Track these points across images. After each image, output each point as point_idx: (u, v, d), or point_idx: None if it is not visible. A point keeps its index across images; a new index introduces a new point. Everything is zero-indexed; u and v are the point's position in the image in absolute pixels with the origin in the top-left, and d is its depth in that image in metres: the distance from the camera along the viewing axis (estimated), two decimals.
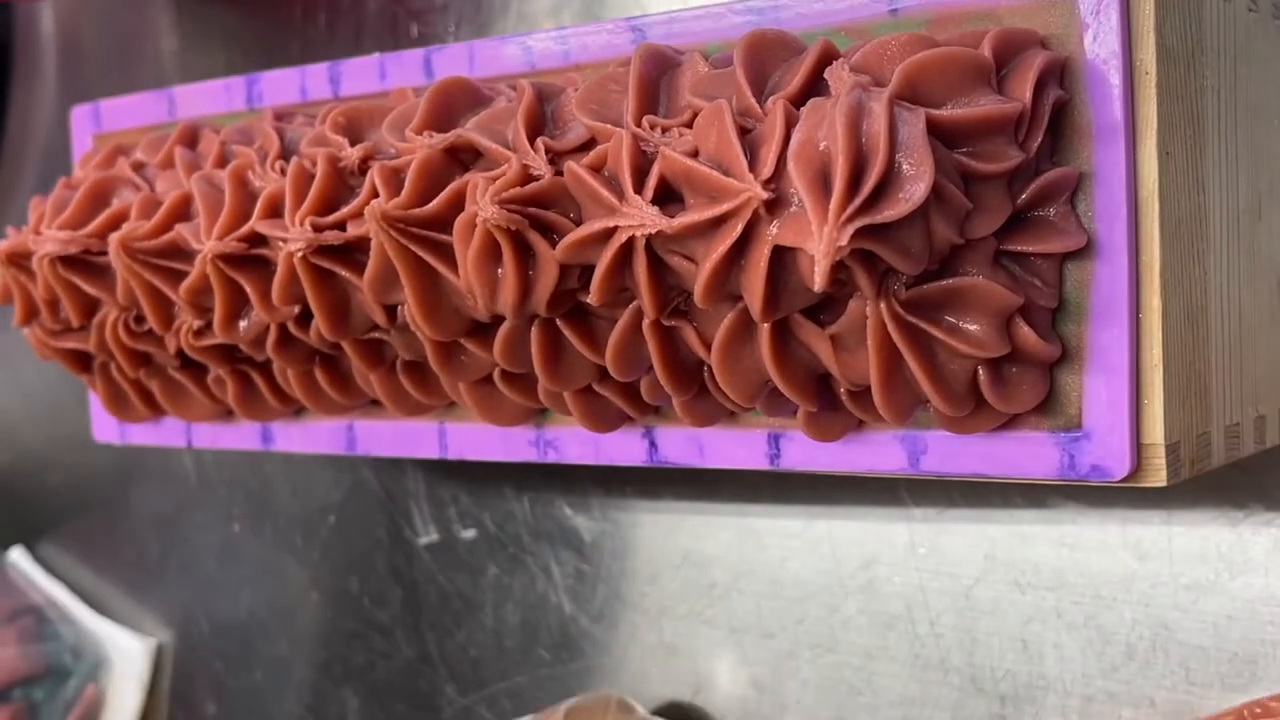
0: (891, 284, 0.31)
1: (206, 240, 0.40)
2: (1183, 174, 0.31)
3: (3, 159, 0.73)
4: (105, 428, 0.51)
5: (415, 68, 0.41)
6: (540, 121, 0.36)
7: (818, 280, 0.28)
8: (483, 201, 0.33)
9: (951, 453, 0.33)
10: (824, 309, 0.32)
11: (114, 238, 0.41)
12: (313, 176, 0.38)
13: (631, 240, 0.32)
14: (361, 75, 0.42)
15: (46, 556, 0.72)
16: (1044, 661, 0.42)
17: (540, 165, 0.34)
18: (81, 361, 0.48)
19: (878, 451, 0.34)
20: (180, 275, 0.41)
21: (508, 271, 0.34)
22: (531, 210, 0.33)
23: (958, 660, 0.43)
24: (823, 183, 0.28)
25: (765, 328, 0.32)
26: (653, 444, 0.38)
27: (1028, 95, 0.30)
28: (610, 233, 0.32)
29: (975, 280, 0.30)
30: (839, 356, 0.32)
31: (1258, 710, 0.36)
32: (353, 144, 0.39)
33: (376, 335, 0.40)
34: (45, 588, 0.70)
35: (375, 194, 0.37)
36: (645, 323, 0.34)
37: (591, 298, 0.33)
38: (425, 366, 0.40)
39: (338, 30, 0.58)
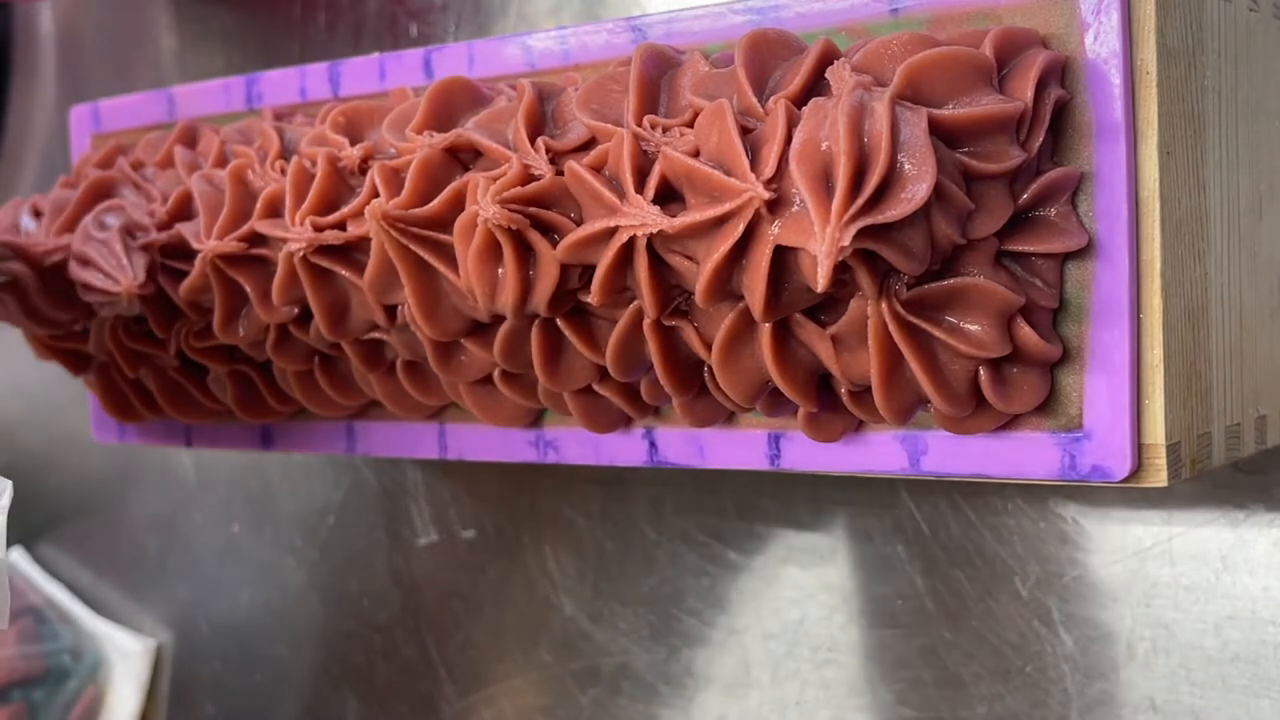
0: (893, 284, 0.31)
1: (206, 240, 0.40)
2: (1183, 174, 0.31)
3: (2, 159, 0.73)
4: (105, 428, 0.51)
5: (415, 68, 0.41)
6: (540, 121, 0.36)
7: (821, 280, 0.28)
8: (483, 201, 0.33)
9: (952, 453, 0.33)
10: (825, 309, 0.32)
11: None
12: (313, 176, 0.38)
13: (632, 240, 0.32)
14: (361, 75, 0.42)
15: (46, 556, 0.72)
16: (1044, 661, 0.42)
17: (541, 165, 0.34)
18: (81, 362, 0.48)
19: (878, 451, 0.34)
20: (180, 275, 0.41)
21: (508, 271, 0.34)
22: (532, 210, 0.33)
23: (957, 661, 0.43)
24: (825, 183, 0.28)
25: (766, 328, 0.32)
26: (653, 444, 0.38)
27: (1029, 95, 0.30)
28: (611, 232, 0.32)
29: (977, 280, 0.30)
30: (840, 356, 0.32)
31: None
32: (353, 144, 0.39)
33: (376, 335, 0.40)
34: (44, 588, 0.70)
35: (375, 194, 0.37)
36: (646, 323, 0.34)
37: (592, 298, 0.33)
38: (425, 366, 0.40)
39: (338, 30, 0.58)
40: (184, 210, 0.42)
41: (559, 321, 0.35)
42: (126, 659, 0.65)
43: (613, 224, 0.32)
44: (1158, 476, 0.31)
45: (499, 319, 0.36)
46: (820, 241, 0.28)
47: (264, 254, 0.39)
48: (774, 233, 0.29)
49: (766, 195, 0.29)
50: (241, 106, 0.45)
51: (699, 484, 0.49)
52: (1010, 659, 0.42)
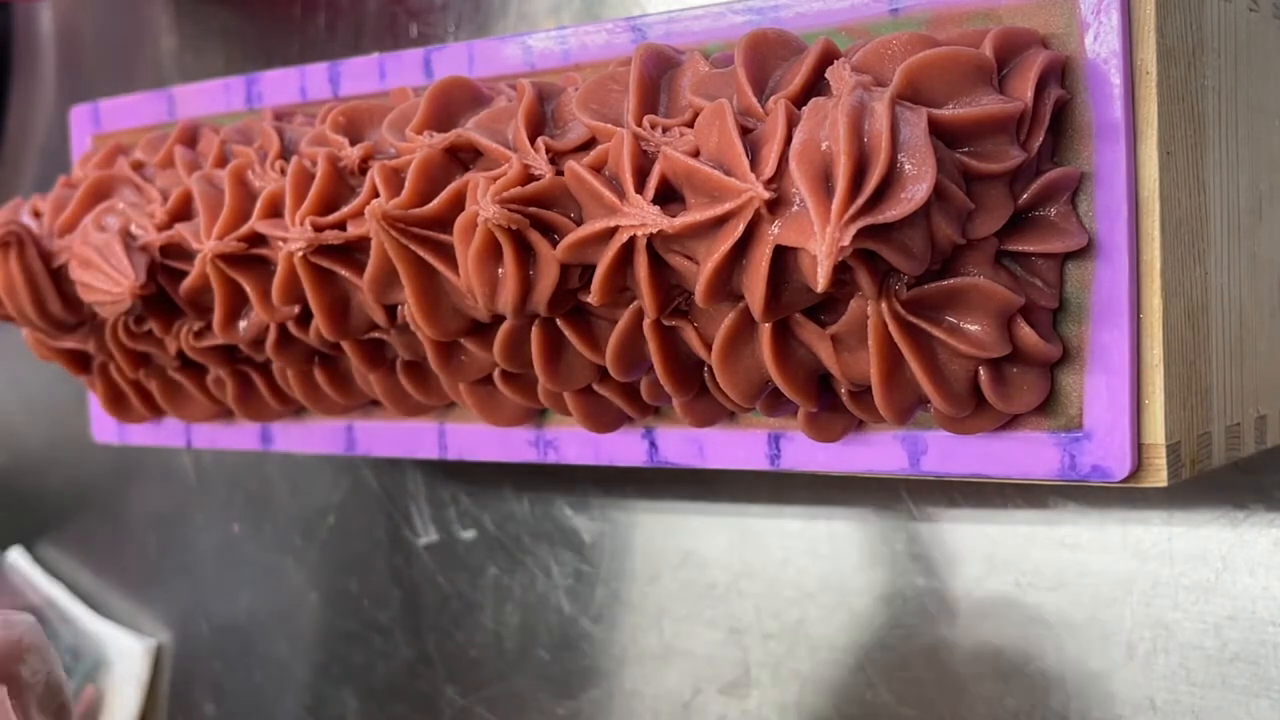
0: (893, 284, 0.31)
1: (206, 240, 0.40)
2: (1183, 174, 0.31)
3: (2, 159, 0.73)
4: (105, 428, 0.51)
5: (415, 68, 0.41)
6: (540, 121, 0.36)
7: (821, 280, 0.28)
8: (483, 201, 0.33)
9: (952, 453, 0.33)
10: (825, 309, 0.32)
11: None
12: (313, 176, 0.38)
13: (632, 240, 0.32)
14: (361, 75, 0.42)
15: (46, 557, 0.72)
16: (1044, 661, 0.42)
17: (541, 165, 0.34)
18: (81, 362, 0.48)
19: (878, 451, 0.34)
20: (180, 275, 0.41)
21: (508, 271, 0.34)
22: (532, 210, 0.33)
23: (958, 661, 0.43)
24: (825, 183, 0.28)
25: (766, 328, 0.32)
26: (653, 444, 0.38)
27: (1029, 95, 0.30)
28: (611, 232, 0.32)
29: (976, 280, 0.30)
30: (839, 356, 0.32)
31: None
32: (353, 144, 0.39)
33: (376, 335, 0.40)
34: (44, 588, 0.70)
35: (375, 193, 0.37)
36: (646, 323, 0.34)
37: (592, 298, 0.33)
38: (425, 366, 0.40)
39: (338, 30, 0.58)
40: (184, 210, 0.42)
41: (559, 321, 0.35)
42: (126, 659, 0.65)
43: (613, 224, 0.32)
44: (1158, 476, 0.31)
45: (499, 319, 0.36)
46: (820, 241, 0.28)
47: (264, 254, 0.39)
48: (774, 233, 0.29)
49: (766, 195, 0.29)
50: (241, 106, 0.45)
51: (699, 484, 0.49)
52: (1010, 659, 0.42)
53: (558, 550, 0.52)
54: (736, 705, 0.48)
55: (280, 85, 0.44)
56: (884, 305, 0.30)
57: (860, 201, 0.28)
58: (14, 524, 0.74)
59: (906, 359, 0.31)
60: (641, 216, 0.31)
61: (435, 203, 0.35)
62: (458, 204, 0.35)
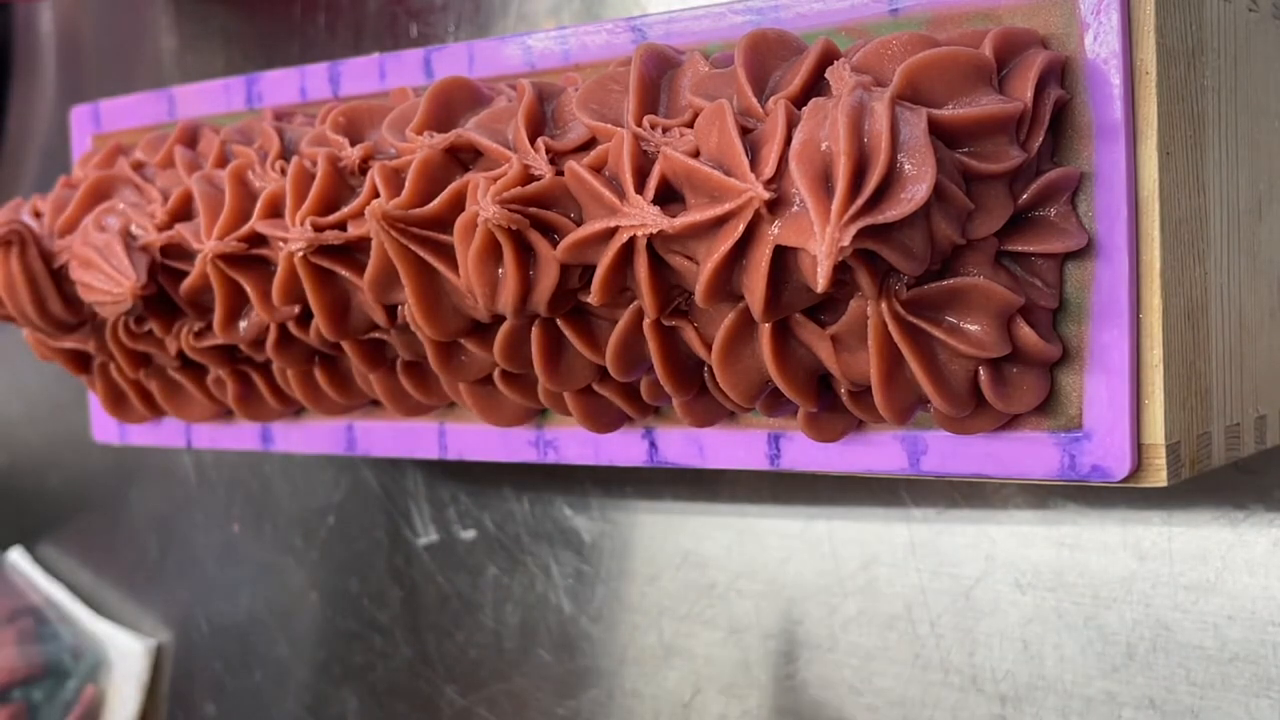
0: (892, 284, 0.31)
1: (206, 240, 0.40)
2: (1183, 174, 0.31)
3: (2, 159, 0.73)
4: (105, 428, 0.51)
5: (415, 68, 0.41)
6: (540, 121, 0.36)
7: (820, 281, 0.28)
8: (483, 201, 0.33)
9: (951, 453, 0.33)
10: (825, 309, 0.32)
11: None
12: (313, 176, 0.38)
13: (633, 240, 0.32)
14: (361, 75, 0.42)
15: (46, 557, 0.72)
16: (1044, 662, 0.42)
17: (541, 165, 0.34)
18: (81, 362, 0.48)
19: (878, 451, 0.34)
20: (180, 275, 0.41)
21: (508, 271, 0.34)
22: (532, 210, 0.33)
23: (958, 660, 0.43)
24: (825, 183, 0.28)
25: (766, 328, 0.32)
26: (653, 444, 0.38)
27: (1029, 95, 0.30)
28: (611, 232, 0.32)
29: (976, 280, 0.30)
30: (839, 356, 0.32)
31: None
32: (353, 144, 0.39)
33: (376, 335, 0.40)
34: (45, 588, 0.70)
35: (376, 194, 0.37)
36: (646, 323, 0.34)
37: (592, 298, 0.33)
38: (425, 366, 0.40)
39: (338, 30, 0.58)
40: (184, 210, 0.42)
41: (559, 321, 0.35)
42: (126, 659, 0.65)
43: (613, 224, 0.32)
44: (1157, 476, 0.31)
45: (499, 319, 0.36)
46: (820, 242, 0.28)
47: (264, 254, 0.39)
48: (774, 233, 0.29)
49: (766, 195, 0.29)
50: (241, 106, 0.45)
51: (699, 484, 0.49)
52: (1010, 658, 0.42)
53: (558, 550, 0.52)
54: (736, 705, 0.48)
55: (280, 85, 0.44)
56: (884, 305, 0.30)
57: (860, 202, 0.28)
58: (14, 524, 0.74)
59: (906, 359, 0.31)
60: (641, 217, 0.31)
61: (435, 203, 0.35)
62: (458, 204, 0.35)
